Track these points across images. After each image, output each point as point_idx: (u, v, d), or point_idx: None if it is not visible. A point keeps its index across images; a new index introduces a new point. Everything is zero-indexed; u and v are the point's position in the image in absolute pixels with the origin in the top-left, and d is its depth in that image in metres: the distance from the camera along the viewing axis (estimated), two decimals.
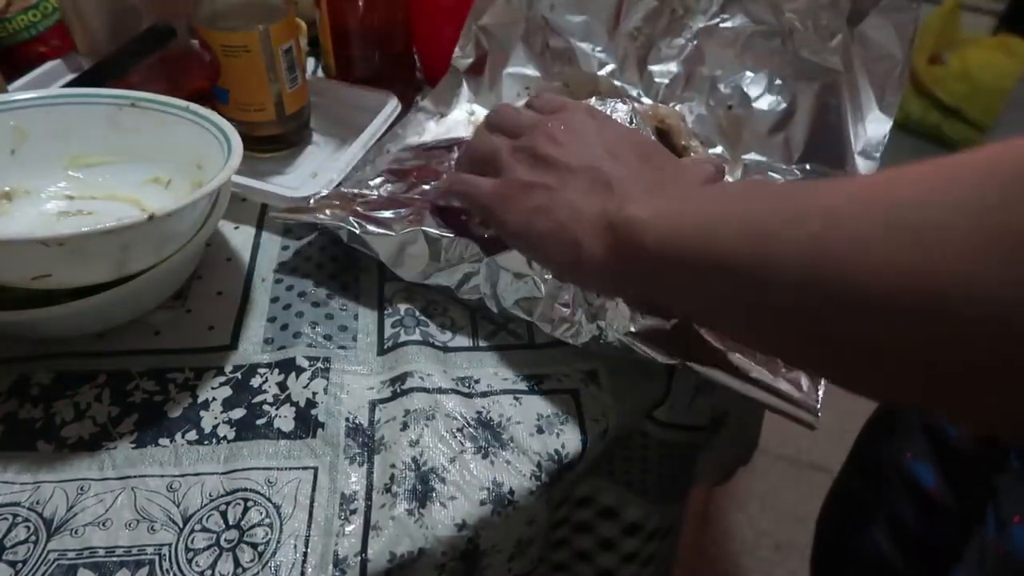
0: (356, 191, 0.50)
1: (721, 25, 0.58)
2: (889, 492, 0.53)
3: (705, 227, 0.31)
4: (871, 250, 0.24)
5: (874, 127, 0.56)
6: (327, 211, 0.47)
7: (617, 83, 0.62)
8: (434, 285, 0.46)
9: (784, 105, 0.57)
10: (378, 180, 0.51)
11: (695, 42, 0.59)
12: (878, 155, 0.55)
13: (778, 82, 0.57)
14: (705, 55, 0.59)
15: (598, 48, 0.62)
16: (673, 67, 0.60)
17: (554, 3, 0.61)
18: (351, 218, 0.46)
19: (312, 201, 0.48)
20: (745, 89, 0.58)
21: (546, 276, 0.42)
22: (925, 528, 0.51)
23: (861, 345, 0.25)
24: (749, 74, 0.58)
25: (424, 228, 0.44)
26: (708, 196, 0.35)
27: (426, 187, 0.50)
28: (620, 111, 0.48)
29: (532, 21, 0.62)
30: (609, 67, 0.62)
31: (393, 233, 0.44)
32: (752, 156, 0.58)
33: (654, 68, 0.61)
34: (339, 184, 0.52)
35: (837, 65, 0.54)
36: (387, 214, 0.46)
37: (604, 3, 0.60)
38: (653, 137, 0.50)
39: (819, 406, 0.38)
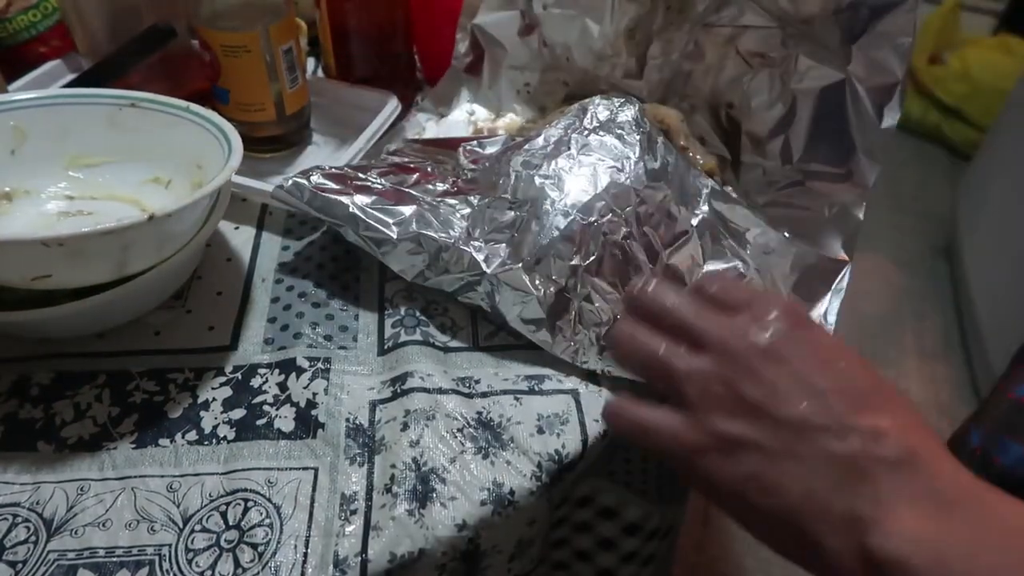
0: (356, 173, 0.48)
1: (719, 24, 0.57)
2: None
3: None
4: None
5: (876, 129, 0.56)
6: (328, 207, 0.45)
7: (616, 81, 0.61)
8: (434, 288, 0.46)
9: (784, 107, 0.56)
10: (379, 174, 0.50)
11: (694, 40, 0.58)
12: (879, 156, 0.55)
13: (778, 84, 0.57)
14: (705, 53, 0.58)
15: (595, 46, 0.61)
16: (672, 65, 0.60)
17: (546, 2, 0.60)
18: (351, 211, 0.45)
19: (312, 180, 0.46)
20: (745, 90, 0.58)
21: (549, 291, 0.42)
22: None
23: None
24: (749, 74, 0.58)
25: (423, 232, 0.44)
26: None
27: (429, 187, 0.49)
28: (628, 113, 0.48)
29: (528, 16, 0.61)
30: (607, 65, 0.62)
31: (394, 235, 0.44)
32: (751, 158, 0.58)
33: (652, 64, 0.60)
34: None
35: (839, 68, 0.54)
36: (388, 209, 0.46)
37: (596, 1, 0.59)
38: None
39: None
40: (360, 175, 0.48)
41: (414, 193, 0.47)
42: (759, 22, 0.56)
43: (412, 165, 0.52)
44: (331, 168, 0.48)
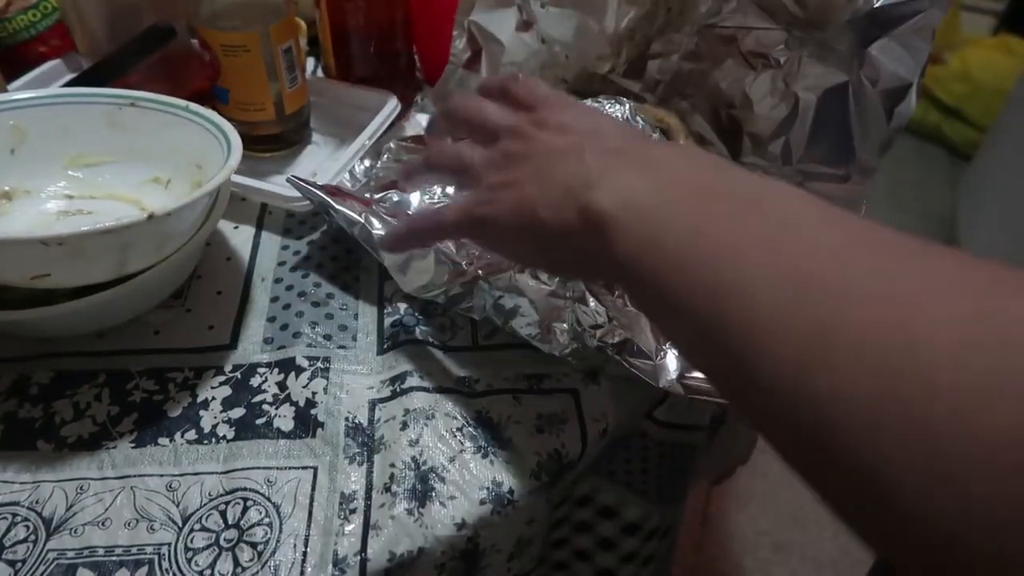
0: (371, 196, 0.50)
1: (721, 25, 0.57)
2: None
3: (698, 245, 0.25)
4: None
5: (883, 130, 0.55)
6: (344, 203, 0.46)
7: (615, 80, 0.61)
8: (428, 299, 0.46)
9: (786, 108, 0.56)
10: (391, 191, 0.51)
11: (695, 41, 0.58)
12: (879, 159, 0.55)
13: (780, 85, 0.56)
14: (705, 54, 0.58)
15: (594, 45, 0.61)
16: (672, 65, 0.60)
17: (544, 0, 0.60)
18: (366, 213, 0.45)
19: (335, 181, 0.48)
20: (747, 91, 0.57)
21: (544, 296, 0.42)
22: None
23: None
24: (751, 75, 0.58)
25: (438, 247, 0.44)
26: (709, 195, 0.27)
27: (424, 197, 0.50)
28: (616, 112, 0.48)
29: (525, 12, 0.61)
30: (607, 64, 0.61)
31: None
32: (751, 159, 0.58)
33: (653, 64, 0.60)
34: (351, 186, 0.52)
35: (844, 70, 0.54)
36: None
37: (597, 2, 0.59)
38: (656, 135, 0.50)
39: None
40: (364, 194, 0.49)
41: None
42: (763, 24, 0.56)
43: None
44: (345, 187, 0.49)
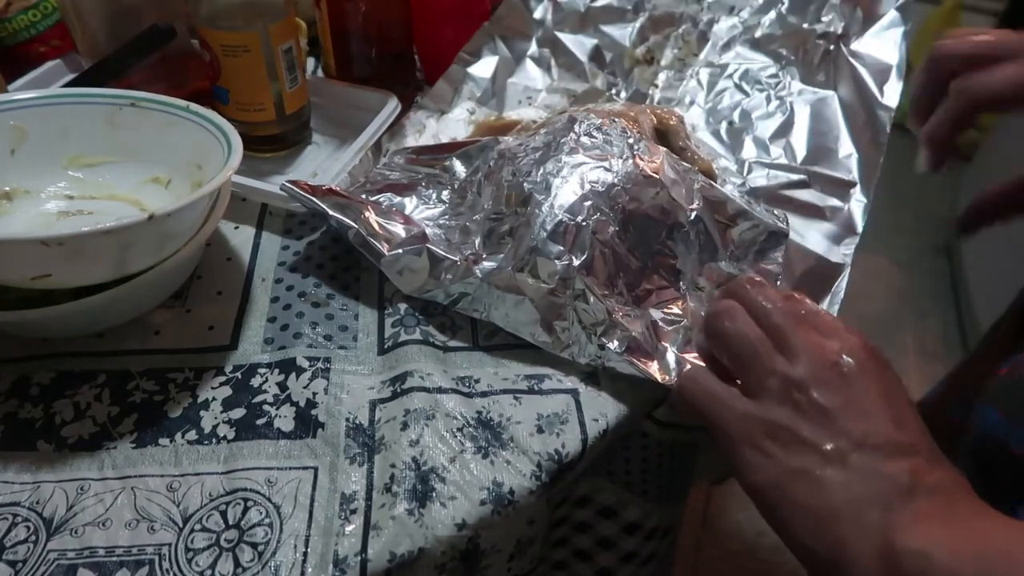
0: (367, 198, 0.50)
1: (719, 63, 0.64)
2: None
3: None
4: None
5: (873, 127, 0.58)
6: (340, 208, 0.47)
7: (622, 102, 0.62)
8: (428, 299, 0.46)
9: (782, 115, 0.59)
10: (387, 193, 0.52)
11: (696, 74, 0.64)
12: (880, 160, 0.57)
13: (776, 102, 0.59)
14: (705, 86, 0.63)
15: (606, 69, 0.66)
16: (677, 93, 0.64)
17: (564, 22, 0.66)
18: (363, 217, 0.46)
19: (330, 185, 0.48)
20: (745, 108, 0.61)
21: (543, 296, 0.42)
22: None
23: None
24: (749, 96, 0.62)
25: (430, 246, 0.44)
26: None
27: (423, 204, 0.51)
28: (615, 133, 0.48)
29: (545, 35, 0.66)
30: (616, 88, 0.65)
31: (400, 251, 0.45)
32: (753, 156, 0.59)
33: (656, 89, 0.65)
34: (348, 186, 0.52)
35: (829, 85, 0.60)
36: (398, 227, 0.46)
37: (615, 32, 0.65)
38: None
39: None
40: (360, 196, 0.50)
41: (408, 214, 0.49)
42: (757, 60, 0.63)
43: (405, 182, 0.53)
44: (342, 189, 0.49)
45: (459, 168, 0.52)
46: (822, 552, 0.31)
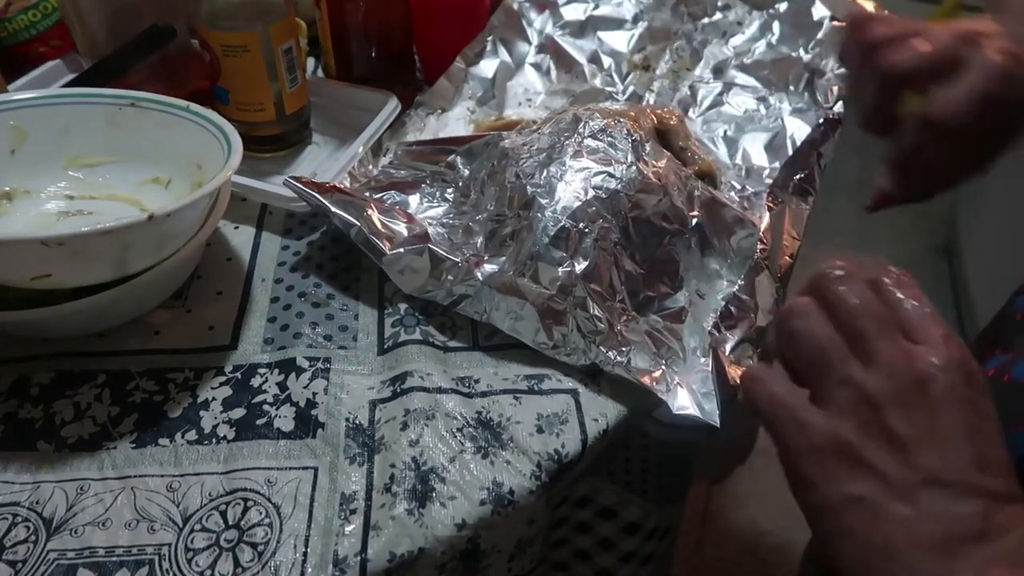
0: (371, 195, 0.50)
1: (714, 78, 0.66)
2: None
3: None
4: None
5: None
6: (343, 205, 0.47)
7: (622, 103, 0.63)
8: (428, 299, 0.46)
9: (775, 131, 0.61)
10: (392, 191, 0.52)
11: (690, 87, 0.65)
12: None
13: (767, 119, 0.62)
14: (700, 100, 0.64)
15: (605, 74, 0.66)
16: (671, 101, 0.64)
17: (565, 26, 0.67)
18: (366, 214, 0.46)
19: (333, 183, 0.48)
20: (739, 120, 0.62)
21: (542, 301, 0.42)
22: None
23: None
24: (742, 109, 0.63)
25: (431, 246, 0.44)
26: None
27: (426, 203, 0.51)
28: (620, 121, 0.48)
29: (546, 40, 0.67)
30: (614, 90, 0.65)
31: (402, 250, 0.45)
32: (749, 163, 0.60)
33: (652, 93, 0.65)
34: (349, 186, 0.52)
35: (810, 104, 0.63)
36: (400, 226, 0.46)
37: (613, 38, 0.67)
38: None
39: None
40: (364, 194, 0.50)
41: (412, 212, 0.50)
42: (748, 82, 0.65)
43: (410, 179, 0.53)
44: (345, 187, 0.50)
45: (463, 166, 0.52)
46: None
